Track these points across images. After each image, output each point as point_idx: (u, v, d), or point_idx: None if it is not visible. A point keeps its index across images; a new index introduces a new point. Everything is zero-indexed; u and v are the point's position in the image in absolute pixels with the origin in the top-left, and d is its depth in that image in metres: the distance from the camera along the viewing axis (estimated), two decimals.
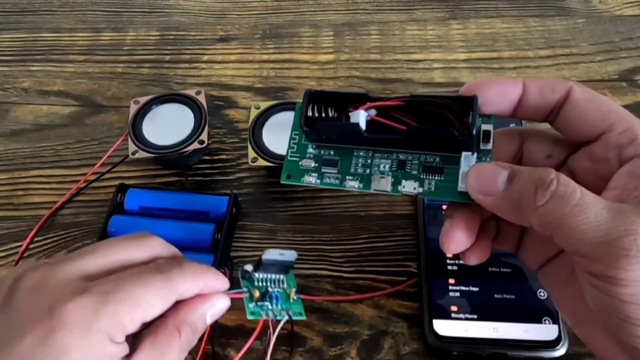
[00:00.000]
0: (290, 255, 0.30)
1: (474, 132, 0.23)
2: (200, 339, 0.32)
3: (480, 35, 0.47)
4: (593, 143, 0.24)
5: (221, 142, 0.41)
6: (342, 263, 0.35)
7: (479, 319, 0.31)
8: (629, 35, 0.47)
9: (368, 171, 0.25)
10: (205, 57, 0.47)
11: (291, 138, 0.27)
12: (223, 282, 0.27)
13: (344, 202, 0.38)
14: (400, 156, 0.25)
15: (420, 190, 0.24)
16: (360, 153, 0.25)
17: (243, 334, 0.32)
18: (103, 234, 0.35)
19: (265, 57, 0.47)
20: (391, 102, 0.25)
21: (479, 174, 0.23)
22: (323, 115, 0.26)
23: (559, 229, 0.20)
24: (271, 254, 0.29)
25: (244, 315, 0.32)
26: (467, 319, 0.31)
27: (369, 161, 0.25)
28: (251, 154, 0.36)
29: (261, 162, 0.35)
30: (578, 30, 0.47)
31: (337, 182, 0.25)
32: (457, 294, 0.32)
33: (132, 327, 0.23)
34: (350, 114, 0.24)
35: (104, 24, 0.50)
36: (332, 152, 0.25)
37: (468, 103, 0.23)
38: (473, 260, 0.25)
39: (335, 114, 0.26)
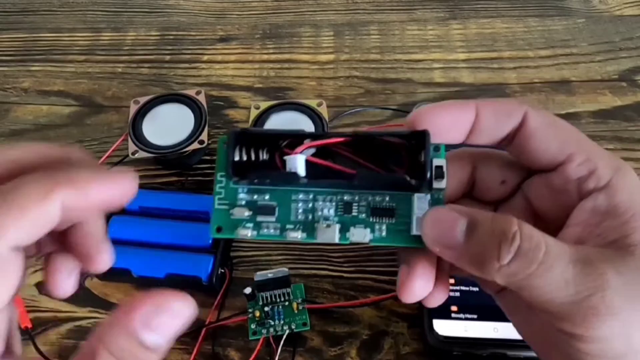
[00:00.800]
0: (280, 272, 0.31)
1: (428, 173, 0.20)
2: (197, 337, 0.32)
3: (481, 35, 0.47)
4: (551, 172, 0.22)
5: None
6: (342, 263, 0.35)
7: (479, 318, 0.31)
8: (629, 35, 0.47)
9: (311, 217, 0.21)
10: (205, 57, 0.47)
11: (217, 181, 0.22)
12: (130, 185, 0.20)
13: None
14: (346, 197, 0.21)
15: (371, 237, 0.21)
16: (300, 196, 0.21)
17: (243, 334, 0.32)
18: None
19: (265, 57, 0.47)
20: (332, 140, 0.21)
21: (434, 224, 0.20)
22: (253, 157, 0.22)
23: (524, 289, 0.19)
24: (260, 276, 0.30)
25: (244, 315, 0.33)
26: (467, 318, 0.31)
27: (310, 205, 0.21)
28: None
29: None
30: (578, 30, 0.47)
31: (277, 232, 0.21)
32: (457, 293, 0.32)
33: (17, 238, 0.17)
34: (286, 157, 0.21)
35: (104, 24, 0.50)
36: (267, 197, 0.21)
37: (419, 139, 0.21)
38: (435, 302, 0.23)
39: (267, 155, 0.22)
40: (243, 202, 0.21)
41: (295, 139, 0.21)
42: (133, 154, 0.36)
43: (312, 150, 0.21)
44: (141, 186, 0.39)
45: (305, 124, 0.37)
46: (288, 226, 0.21)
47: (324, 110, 0.37)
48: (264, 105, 0.38)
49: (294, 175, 0.20)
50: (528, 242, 0.19)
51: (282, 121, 0.37)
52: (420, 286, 0.21)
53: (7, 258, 0.16)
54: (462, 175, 0.24)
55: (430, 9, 0.50)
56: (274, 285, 0.32)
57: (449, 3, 0.50)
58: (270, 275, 0.31)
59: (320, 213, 0.21)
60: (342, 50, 0.47)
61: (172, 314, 0.17)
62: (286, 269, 0.31)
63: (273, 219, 0.21)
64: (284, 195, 0.21)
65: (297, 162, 0.20)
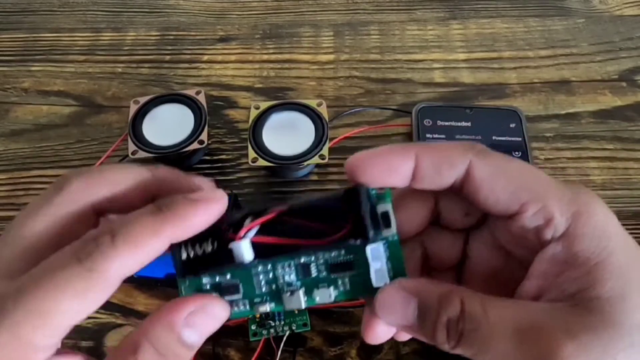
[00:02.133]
0: None
1: (369, 229, 0.20)
2: None
3: (481, 35, 0.47)
4: (508, 219, 0.20)
5: (221, 142, 0.41)
6: None
7: None
8: (629, 35, 0.47)
9: (275, 286, 0.21)
10: (205, 57, 0.47)
11: (180, 283, 0.21)
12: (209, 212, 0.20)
13: None
14: (303, 259, 0.21)
15: (336, 294, 0.21)
16: (260, 268, 0.21)
17: (244, 334, 0.32)
18: None
19: (265, 57, 0.47)
20: (270, 217, 0.21)
21: (386, 308, 0.20)
22: (200, 251, 0.21)
23: None
24: None
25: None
26: None
27: (271, 275, 0.21)
28: (251, 154, 0.36)
29: (261, 162, 0.35)
30: (578, 30, 0.47)
31: (248, 308, 0.21)
32: None
33: (52, 339, 0.18)
34: (231, 245, 0.20)
35: (104, 24, 0.50)
36: (229, 276, 0.21)
37: (354, 195, 0.20)
38: (403, 338, 0.23)
39: (215, 244, 0.21)
40: (208, 287, 0.21)
41: (236, 225, 0.21)
42: (133, 154, 0.36)
43: (257, 229, 0.21)
44: None
45: (305, 124, 0.37)
46: (256, 300, 0.21)
47: (324, 111, 0.37)
48: (264, 105, 0.38)
49: (240, 265, 0.20)
50: (470, 323, 0.19)
51: (283, 121, 0.37)
52: (382, 330, 0.21)
53: (113, 285, 0.18)
54: (424, 211, 0.23)
55: (430, 9, 0.50)
56: None
57: (449, 3, 0.50)
58: None
59: (282, 280, 0.21)
60: (342, 50, 0.47)
61: (211, 316, 0.19)
62: None
63: (240, 296, 0.21)
64: (244, 272, 0.21)
65: (242, 249, 0.20)
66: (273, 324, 0.32)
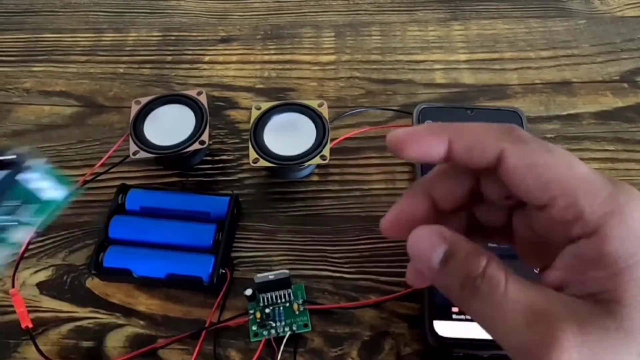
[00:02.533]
0: (281, 274, 0.31)
1: None
2: (198, 338, 0.32)
3: (482, 36, 0.47)
4: (539, 209, 0.20)
5: (222, 143, 0.41)
6: (343, 264, 0.35)
7: None
8: (630, 36, 0.47)
9: None
10: (207, 58, 0.47)
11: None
12: None
13: (345, 202, 0.38)
14: None
15: None
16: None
17: (244, 335, 0.32)
18: (104, 234, 0.35)
19: (266, 57, 0.47)
20: None
21: (414, 242, 0.21)
22: None
23: (484, 326, 0.20)
24: (261, 278, 0.31)
25: (246, 317, 0.33)
26: (468, 319, 0.31)
27: None
28: (252, 154, 0.36)
29: (262, 163, 0.35)
30: (579, 31, 0.47)
31: None
32: None
33: None
34: None
35: (106, 25, 0.50)
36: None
37: None
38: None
39: None
40: None
41: None
42: (134, 154, 0.36)
43: None
44: (142, 186, 0.40)
45: (307, 125, 0.37)
46: None
47: (325, 111, 0.37)
48: (265, 106, 0.38)
49: None
50: (487, 284, 0.19)
51: (284, 122, 0.37)
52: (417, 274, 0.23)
53: None
54: (463, 185, 0.23)
55: (432, 10, 0.50)
56: (275, 287, 0.32)
57: (450, 4, 0.50)
58: (271, 277, 0.31)
59: None
60: (344, 51, 0.47)
61: None
62: (287, 271, 0.31)
63: None
64: None
65: None
66: (274, 325, 0.32)
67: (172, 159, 0.39)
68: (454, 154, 0.21)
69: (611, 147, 0.40)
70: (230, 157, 0.41)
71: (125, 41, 0.49)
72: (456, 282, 0.20)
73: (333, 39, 0.48)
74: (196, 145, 0.37)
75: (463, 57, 0.46)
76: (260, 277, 0.31)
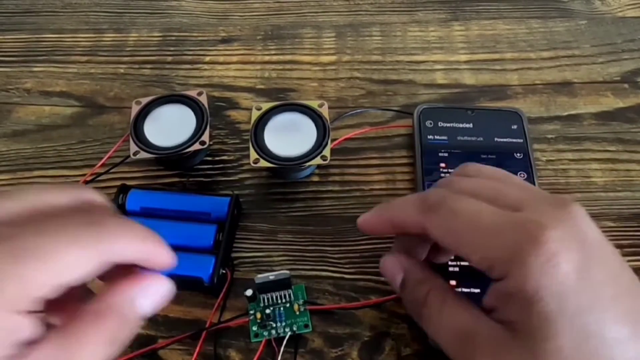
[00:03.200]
0: (281, 274, 0.31)
1: None
2: (198, 338, 0.32)
3: (482, 36, 0.47)
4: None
5: (223, 143, 0.41)
6: (343, 264, 0.35)
7: None
8: (631, 36, 0.47)
9: None
10: (207, 58, 0.47)
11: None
12: (170, 257, 0.23)
13: (345, 203, 0.38)
14: None
15: None
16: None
17: (245, 335, 0.32)
18: None
19: (267, 58, 0.47)
20: None
21: (381, 268, 0.28)
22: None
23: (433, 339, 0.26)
24: (261, 278, 0.31)
25: (246, 317, 0.33)
26: None
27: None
28: (253, 155, 0.36)
29: (263, 163, 0.35)
30: (580, 31, 0.47)
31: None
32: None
33: (43, 291, 0.18)
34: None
35: (107, 25, 0.50)
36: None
37: None
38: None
39: None
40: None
41: None
42: (134, 154, 0.36)
43: None
44: (142, 187, 0.40)
45: (307, 125, 0.37)
46: None
47: (325, 112, 0.37)
48: (266, 106, 0.38)
49: None
50: (427, 310, 0.25)
51: (284, 123, 0.37)
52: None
53: (105, 263, 0.20)
54: (422, 247, 0.29)
55: (432, 11, 0.50)
56: (275, 287, 0.32)
57: (450, 4, 0.50)
58: (271, 278, 0.31)
59: None
60: (344, 51, 0.47)
61: (161, 293, 0.22)
62: (287, 272, 0.31)
63: None
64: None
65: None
66: (274, 325, 0.32)
67: (172, 160, 0.39)
68: (395, 230, 0.27)
69: (612, 148, 0.40)
70: (231, 158, 0.41)
71: (125, 41, 0.49)
72: (408, 305, 0.27)
73: (334, 39, 0.48)
74: (197, 146, 0.37)
75: (464, 57, 0.46)
76: (260, 277, 0.31)
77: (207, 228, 0.35)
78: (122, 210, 0.36)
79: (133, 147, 0.37)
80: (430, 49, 0.47)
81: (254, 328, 0.32)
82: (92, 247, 0.19)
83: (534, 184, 0.36)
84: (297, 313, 0.32)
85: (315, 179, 0.39)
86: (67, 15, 0.51)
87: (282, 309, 0.32)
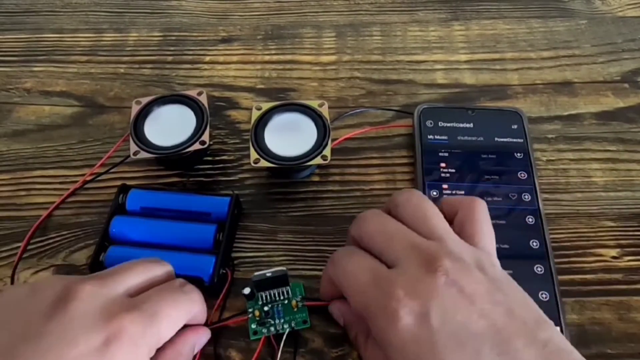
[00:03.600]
0: (278, 271, 0.31)
1: None
2: None
3: (483, 36, 0.47)
4: None
5: (223, 143, 0.41)
6: None
7: None
8: (631, 36, 0.47)
9: None
10: (207, 58, 0.47)
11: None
12: (205, 313, 0.31)
13: (345, 203, 0.38)
14: None
15: None
16: None
17: (244, 334, 0.32)
18: (105, 235, 0.35)
19: (267, 58, 0.47)
20: None
21: (331, 312, 0.32)
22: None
23: None
24: (258, 276, 0.31)
25: (245, 315, 0.33)
26: None
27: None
28: (253, 155, 0.36)
29: (263, 163, 0.35)
30: (580, 31, 0.47)
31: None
32: None
33: (161, 343, 0.26)
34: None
35: (107, 25, 0.50)
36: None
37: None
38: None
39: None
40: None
41: None
42: (134, 154, 0.36)
43: None
44: (142, 187, 0.39)
45: (307, 125, 0.37)
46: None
47: (325, 111, 0.37)
48: (266, 106, 0.38)
49: None
50: (357, 344, 0.30)
51: (284, 122, 0.37)
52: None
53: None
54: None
55: (432, 10, 0.50)
56: (273, 284, 0.32)
57: (451, 4, 0.50)
58: (268, 275, 0.31)
59: None
60: (344, 51, 0.47)
61: (205, 340, 0.31)
62: (284, 268, 0.31)
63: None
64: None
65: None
66: (273, 322, 0.32)
67: (172, 159, 0.39)
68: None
69: (612, 148, 0.40)
70: (231, 158, 0.41)
71: (125, 41, 0.49)
72: (353, 342, 0.31)
73: (334, 39, 0.48)
74: (197, 146, 0.37)
75: (464, 57, 0.46)
76: (257, 275, 0.31)
77: (207, 228, 0.35)
78: (122, 209, 0.36)
79: (133, 147, 0.37)
80: (430, 48, 0.47)
81: (253, 326, 0.32)
82: (187, 312, 0.28)
83: (534, 183, 0.36)
84: (295, 309, 0.32)
85: (316, 178, 0.39)
86: (67, 15, 0.51)
87: (280, 305, 0.32)
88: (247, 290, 0.31)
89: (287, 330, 0.32)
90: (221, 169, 0.40)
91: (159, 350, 0.27)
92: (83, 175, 0.40)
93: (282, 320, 0.32)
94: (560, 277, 0.34)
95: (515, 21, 0.48)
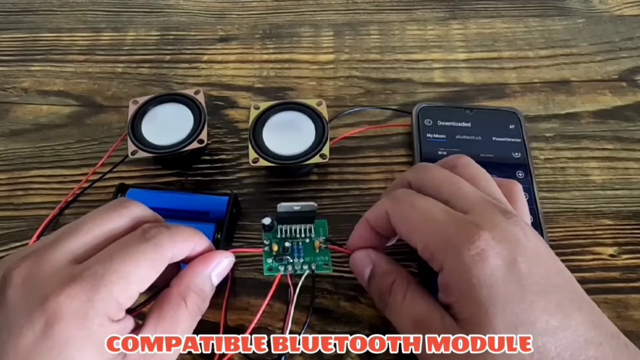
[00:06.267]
0: (308, 206, 0.28)
1: None
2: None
3: (481, 35, 0.47)
4: None
5: (221, 142, 0.41)
6: (342, 263, 0.35)
7: None
8: (629, 35, 0.47)
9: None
10: (205, 57, 0.47)
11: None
12: (209, 243, 0.28)
13: (344, 201, 0.38)
14: None
15: None
16: None
17: (244, 333, 0.32)
18: None
19: (265, 57, 0.47)
20: None
21: (352, 263, 0.30)
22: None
23: (395, 327, 0.27)
24: (285, 207, 0.28)
25: (245, 314, 0.33)
26: None
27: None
28: (252, 154, 0.36)
29: (262, 163, 0.35)
30: (578, 30, 0.47)
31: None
32: None
33: (130, 302, 0.24)
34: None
35: (104, 24, 0.50)
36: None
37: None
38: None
39: None
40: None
41: None
42: (132, 153, 0.36)
43: None
44: (140, 186, 0.39)
45: (306, 124, 0.37)
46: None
47: (324, 110, 0.37)
48: (264, 105, 0.38)
49: None
50: (392, 298, 0.27)
51: (283, 121, 0.37)
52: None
53: (165, 264, 0.25)
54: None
55: (430, 9, 0.50)
56: (297, 220, 0.30)
57: (449, 3, 0.50)
58: (296, 208, 0.28)
59: None
60: (342, 50, 0.47)
61: (227, 265, 0.28)
62: (314, 203, 0.28)
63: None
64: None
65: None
66: (291, 261, 0.29)
67: (170, 159, 0.39)
68: (373, 232, 0.29)
69: (610, 146, 0.40)
70: (229, 157, 0.41)
71: (123, 40, 0.49)
72: (375, 295, 0.28)
73: (332, 38, 0.48)
74: (194, 144, 0.37)
75: (462, 56, 0.46)
76: (284, 205, 0.28)
77: (206, 227, 0.35)
78: None
79: (131, 147, 0.37)
80: (428, 47, 0.47)
81: (269, 260, 0.29)
82: (155, 260, 0.24)
83: (532, 183, 0.36)
84: (317, 251, 0.29)
85: (314, 177, 0.39)
86: (65, 14, 0.51)
87: (300, 243, 0.30)
88: (267, 220, 0.29)
89: (307, 272, 0.29)
90: (219, 168, 0.40)
91: (158, 302, 0.25)
92: (81, 174, 0.39)
93: (301, 260, 0.29)
94: None
95: (513, 20, 0.48)
